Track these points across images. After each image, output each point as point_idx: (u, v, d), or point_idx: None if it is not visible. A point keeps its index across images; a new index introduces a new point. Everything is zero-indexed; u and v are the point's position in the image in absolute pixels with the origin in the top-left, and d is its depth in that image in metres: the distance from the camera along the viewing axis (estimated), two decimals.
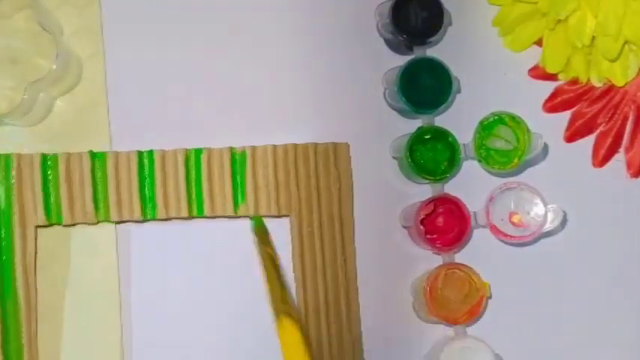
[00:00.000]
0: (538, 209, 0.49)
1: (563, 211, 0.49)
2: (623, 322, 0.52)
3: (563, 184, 0.52)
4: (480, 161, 0.49)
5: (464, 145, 0.49)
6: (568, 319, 0.51)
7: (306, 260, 0.49)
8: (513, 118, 0.49)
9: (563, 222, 0.50)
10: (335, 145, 0.50)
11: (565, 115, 0.53)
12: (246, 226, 0.48)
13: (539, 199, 0.49)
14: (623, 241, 0.52)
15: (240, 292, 0.49)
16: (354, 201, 0.50)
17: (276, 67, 0.51)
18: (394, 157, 0.51)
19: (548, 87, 0.53)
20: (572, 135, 0.53)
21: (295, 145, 0.49)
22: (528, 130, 0.49)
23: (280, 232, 0.49)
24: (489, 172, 0.51)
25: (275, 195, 0.49)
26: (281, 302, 0.40)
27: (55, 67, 0.46)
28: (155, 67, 0.50)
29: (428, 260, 0.50)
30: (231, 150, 0.49)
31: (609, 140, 0.53)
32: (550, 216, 0.49)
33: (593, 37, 0.49)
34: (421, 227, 0.48)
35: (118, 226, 0.49)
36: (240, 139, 0.49)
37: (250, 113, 0.51)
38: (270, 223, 0.48)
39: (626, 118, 0.53)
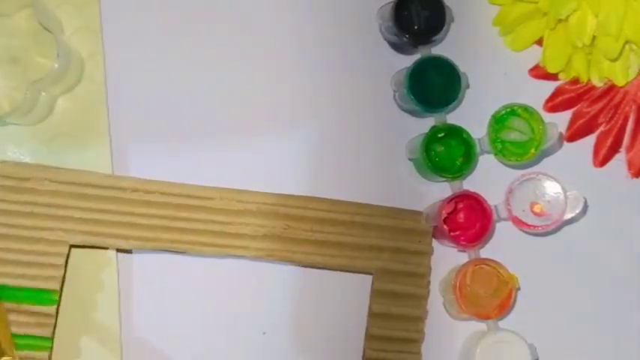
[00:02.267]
0: (558, 197, 0.49)
1: (584, 197, 0.49)
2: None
3: (563, 184, 0.52)
4: (496, 155, 0.50)
5: (478, 140, 0.50)
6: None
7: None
8: (526, 109, 0.49)
9: (585, 208, 0.50)
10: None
11: (566, 115, 0.53)
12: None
13: (559, 186, 0.49)
14: (624, 241, 0.52)
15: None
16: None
17: (281, 72, 0.51)
18: (410, 159, 0.51)
19: (549, 87, 0.53)
20: (573, 135, 0.53)
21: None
22: (542, 120, 0.49)
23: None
24: (506, 164, 0.51)
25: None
26: None
27: (56, 66, 0.46)
28: (155, 66, 0.50)
29: (453, 258, 0.50)
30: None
31: (610, 140, 0.53)
32: (571, 202, 0.49)
33: (594, 37, 0.49)
34: (444, 226, 0.48)
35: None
36: (240, 139, 0.50)
37: (252, 115, 0.51)
38: None
39: (626, 118, 0.53)
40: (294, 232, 0.48)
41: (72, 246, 0.47)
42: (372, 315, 0.48)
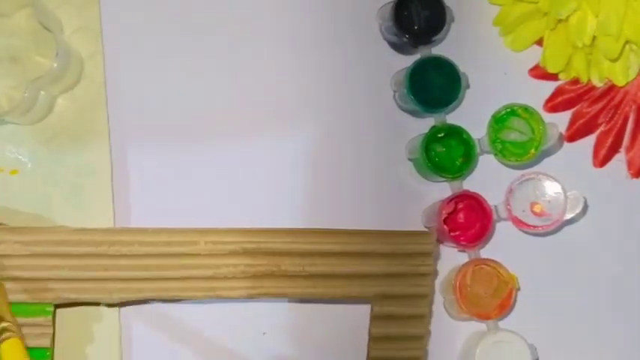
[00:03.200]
0: (558, 197, 0.49)
1: (584, 197, 0.49)
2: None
3: (563, 184, 0.52)
4: (496, 155, 0.50)
5: (478, 140, 0.50)
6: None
7: None
8: (526, 109, 0.49)
9: (585, 208, 0.50)
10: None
11: (566, 115, 0.53)
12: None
13: (559, 186, 0.49)
14: (624, 241, 0.52)
15: None
16: (375, 207, 0.50)
17: (280, 72, 0.51)
18: (410, 159, 0.51)
19: (549, 87, 0.53)
20: (573, 135, 0.53)
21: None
22: (542, 120, 0.49)
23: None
24: (506, 165, 0.51)
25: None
26: None
27: (55, 65, 0.46)
28: (155, 66, 0.50)
29: (453, 258, 0.50)
30: None
31: (610, 140, 0.53)
32: (571, 203, 0.49)
33: (594, 37, 0.49)
34: (444, 226, 0.48)
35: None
36: (240, 139, 0.50)
37: (252, 115, 0.51)
38: None
39: (626, 118, 0.53)
40: (285, 269, 0.47)
41: (56, 306, 0.46)
42: (373, 339, 0.47)
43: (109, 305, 0.48)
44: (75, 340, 0.48)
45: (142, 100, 0.50)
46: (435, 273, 0.49)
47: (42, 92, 0.47)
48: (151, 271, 0.46)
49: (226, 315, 0.49)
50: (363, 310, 0.48)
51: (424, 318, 0.48)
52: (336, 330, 0.50)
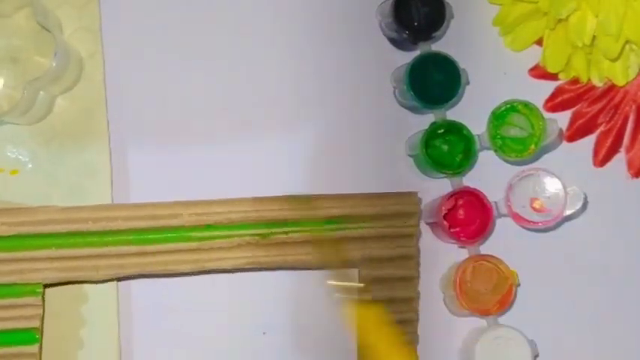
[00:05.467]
0: (558, 193, 0.49)
1: (584, 194, 0.49)
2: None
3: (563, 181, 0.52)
4: (496, 151, 0.50)
5: (478, 136, 0.50)
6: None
7: None
8: (526, 105, 0.49)
9: (585, 204, 0.50)
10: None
11: (565, 115, 0.53)
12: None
13: (559, 182, 0.49)
14: (623, 240, 0.52)
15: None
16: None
17: (280, 69, 0.51)
18: (410, 155, 0.51)
19: (549, 86, 0.53)
20: (573, 135, 0.53)
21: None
22: (542, 116, 0.49)
23: None
24: (506, 161, 0.51)
25: None
26: None
27: (54, 65, 0.46)
28: (154, 66, 0.50)
29: (453, 254, 0.50)
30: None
31: (610, 140, 0.53)
32: (571, 199, 0.49)
33: (594, 37, 0.49)
34: (445, 222, 0.49)
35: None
36: (240, 138, 0.50)
37: (251, 113, 0.51)
38: None
39: (626, 118, 0.53)
40: (271, 237, 0.47)
41: (45, 285, 0.46)
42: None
43: (98, 282, 0.47)
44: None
45: (142, 100, 0.50)
46: (419, 233, 0.49)
47: (41, 92, 0.47)
48: (137, 246, 0.46)
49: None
50: (351, 275, 0.48)
51: (413, 280, 0.48)
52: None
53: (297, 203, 0.46)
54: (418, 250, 0.49)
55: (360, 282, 0.47)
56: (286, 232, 0.47)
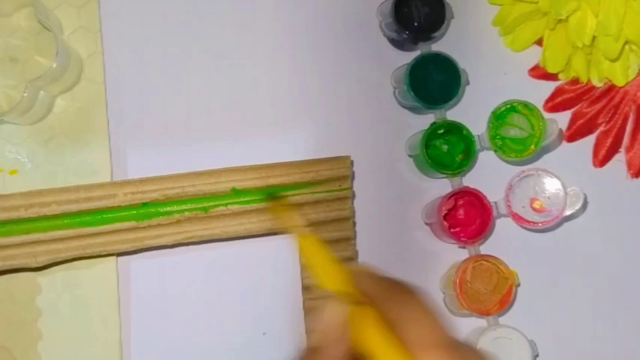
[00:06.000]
0: (558, 193, 0.49)
1: (584, 194, 0.49)
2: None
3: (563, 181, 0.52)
4: (495, 151, 0.50)
5: (478, 136, 0.50)
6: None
7: None
8: (526, 105, 0.49)
9: (584, 204, 0.50)
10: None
11: (565, 115, 0.53)
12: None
13: (559, 182, 0.49)
14: (623, 240, 0.52)
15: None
16: (374, 202, 0.50)
17: (280, 70, 0.51)
18: (410, 155, 0.51)
19: (549, 87, 0.53)
20: (573, 135, 0.53)
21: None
22: (542, 116, 0.49)
23: None
24: (506, 161, 0.51)
25: None
26: None
27: (54, 65, 0.46)
28: (154, 66, 0.50)
29: (453, 254, 0.50)
30: None
31: (610, 140, 0.53)
32: (571, 199, 0.49)
33: (594, 37, 0.49)
34: (445, 223, 0.49)
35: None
36: (239, 138, 0.50)
37: (251, 114, 0.51)
38: None
39: (626, 118, 0.53)
40: (210, 210, 0.47)
41: None
42: (304, 268, 0.48)
43: (37, 269, 0.47)
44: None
45: (141, 100, 0.50)
46: (353, 195, 0.50)
47: (41, 92, 0.47)
48: (73, 229, 0.46)
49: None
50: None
51: (350, 240, 0.48)
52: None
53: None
54: (353, 212, 0.49)
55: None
56: (227, 205, 0.47)
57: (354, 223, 0.49)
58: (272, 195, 0.47)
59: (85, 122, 0.49)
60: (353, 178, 0.50)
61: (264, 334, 0.49)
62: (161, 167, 0.48)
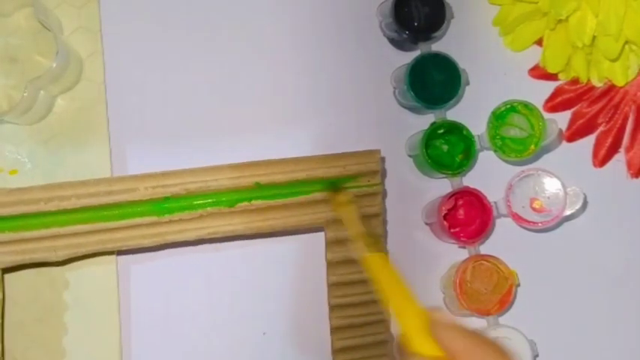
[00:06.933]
0: (558, 193, 0.49)
1: (584, 194, 0.49)
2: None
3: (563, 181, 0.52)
4: (495, 151, 0.50)
5: (478, 136, 0.50)
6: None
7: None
8: (526, 105, 0.49)
9: (584, 204, 0.50)
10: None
11: (565, 115, 0.53)
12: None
13: (559, 182, 0.49)
14: (623, 240, 0.52)
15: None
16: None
17: (281, 70, 0.51)
18: (410, 155, 0.51)
19: (549, 87, 0.53)
20: (573, 135, 0.53)
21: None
22: (542, 116, 0.49)
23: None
24: (506, 161, 0.51)
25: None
26: None
27: (54, 64, 0.46)
28: (154, 66, 0.50)
29: (453, 254, 0.50)
30: None
31: (610, 140, 0.53)
32: (571, 199, 0.49)
33: (594, 37, 0.49)
34: (445, 223, 0.49)
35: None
36: (239, 138, 0.50)
37: (251, 114, 0.51)
38: None
39: (626, 118, 0.53)
40: (232, 205, 0.46)
41: (4, 270, 0.46)
42: (330, 264, 0.47)
43: (57, 263, 0.46)
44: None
45: (141, 100, 0.50)
46: (384, 192, 0.49)
47: (41, 92, 0.47)
48: (93, 224, 0.45)
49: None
50: (317, 238, 0.48)
51: (380, 237, 0.47)
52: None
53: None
54: (384, 209, 0.48)
55: (327, 244, 0.47)
56: (250, 200, 0.46)
57: (385, 221, 0.48)
58: (334, 185, 0.45)
59: (85, 122, 0.49)
60: (385, 175, 0.48)
61: (264, 334, 0.49)
62: (161, 167, 0.48)
